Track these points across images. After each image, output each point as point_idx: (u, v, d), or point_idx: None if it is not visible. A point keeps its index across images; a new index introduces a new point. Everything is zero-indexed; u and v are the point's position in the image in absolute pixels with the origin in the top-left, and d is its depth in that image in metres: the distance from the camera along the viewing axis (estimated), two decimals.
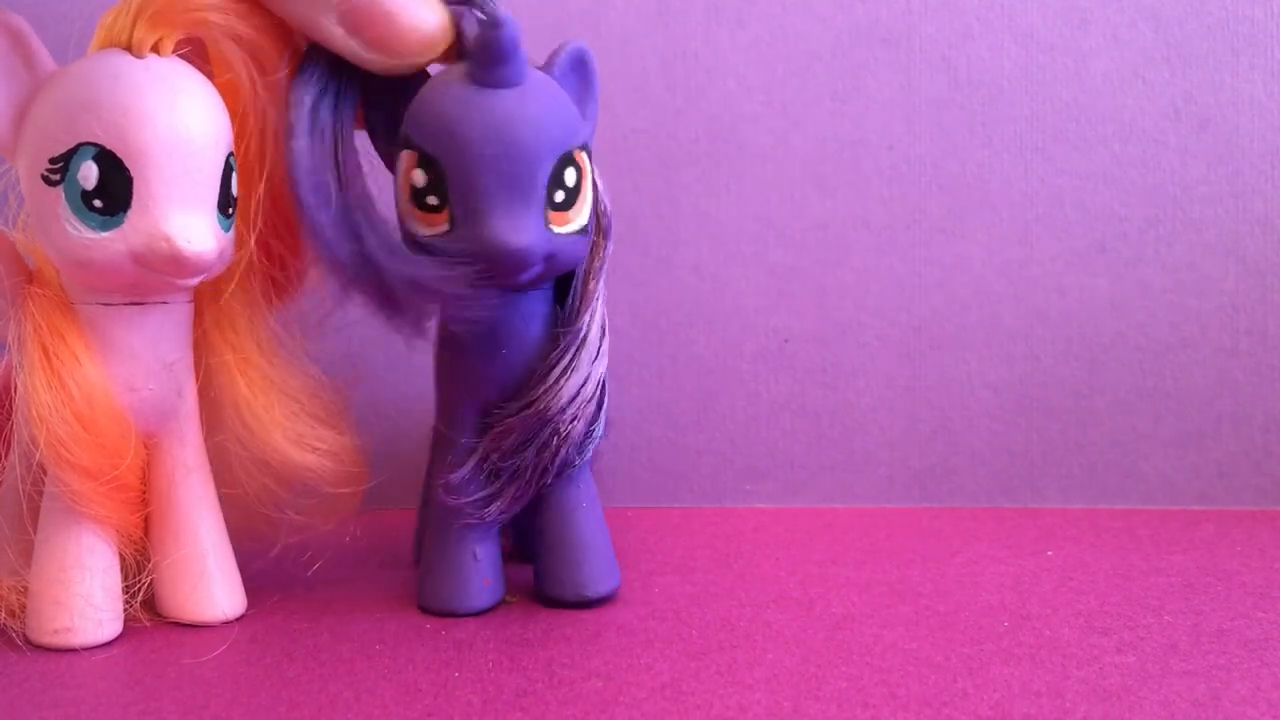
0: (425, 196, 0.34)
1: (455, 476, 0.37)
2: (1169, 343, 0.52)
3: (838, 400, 0.53)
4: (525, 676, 0.32)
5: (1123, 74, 0.52)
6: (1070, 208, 0.52)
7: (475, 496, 0.37)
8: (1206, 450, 0.52)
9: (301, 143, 0.34)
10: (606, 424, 0.38)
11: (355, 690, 0.31)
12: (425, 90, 0.35)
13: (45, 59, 0.34)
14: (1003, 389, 0.53)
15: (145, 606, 0.36)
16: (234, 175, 0.35)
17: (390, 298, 0.34)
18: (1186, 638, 0.34)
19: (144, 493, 0.37)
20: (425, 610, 0.38)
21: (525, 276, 0.34)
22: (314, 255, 0.35)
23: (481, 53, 0.33)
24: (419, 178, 0.34)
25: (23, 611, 0.35)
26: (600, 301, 0.37)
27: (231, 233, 0.35)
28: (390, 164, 0.36)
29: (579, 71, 0.37)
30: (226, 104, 0.35)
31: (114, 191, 0.33)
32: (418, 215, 0.34)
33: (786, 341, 0.53)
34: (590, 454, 0.38)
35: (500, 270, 0.34)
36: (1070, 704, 0.29)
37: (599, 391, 0.37)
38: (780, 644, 0.34)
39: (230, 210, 0.35)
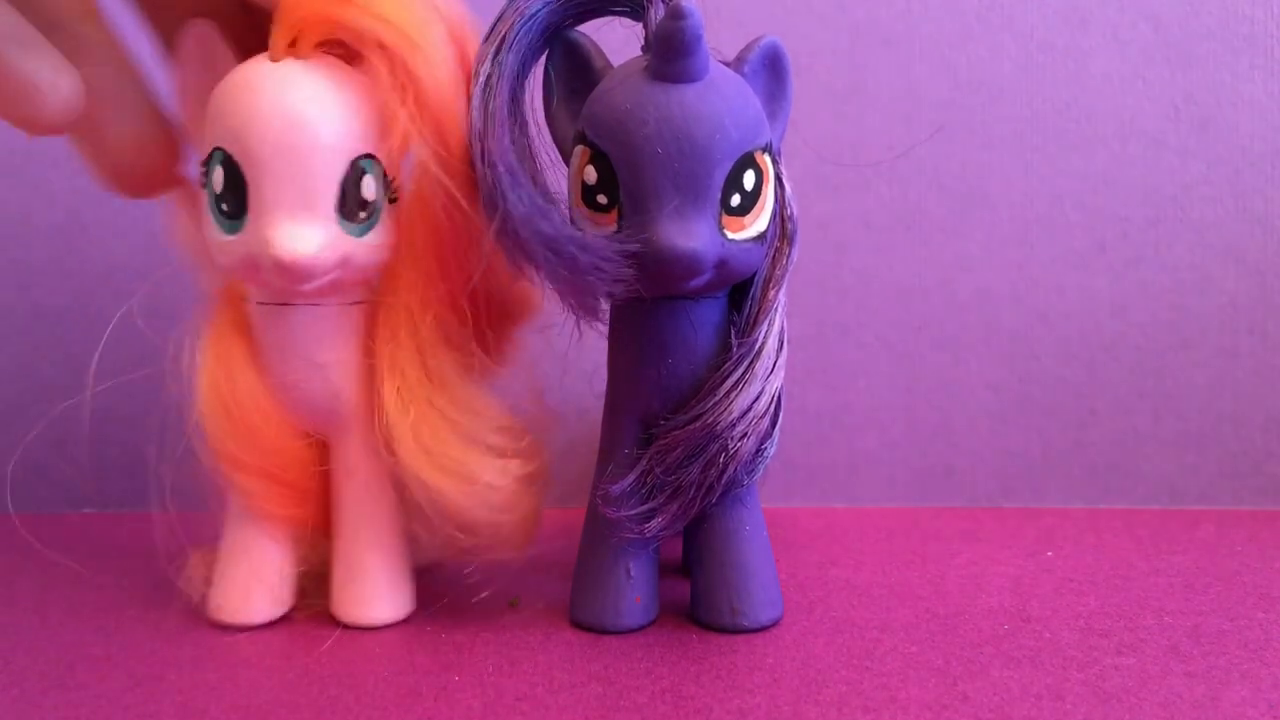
0: (595, 195, 0.32)
1: (615, 488, 0.34)
2: (1169, 343, 0.52)
3: (838, 400, 0.53)
4: (525, 681, 0.32)
5: (1123, 74, 0.52)
6: (1070, 208, 0.52)
7: (634, 511, 0.34)
8: (1206, 450, 0.52)
9: (484, 116, 0.32)
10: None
11: (355, 693, 0.31)
12: (604, 83, 0.33)
13: (227, 60, 0.34)
14: (1003, 389, 0.53)
15: (304, 598, 0.38)
16: (367, 177, 0.33)
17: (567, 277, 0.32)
18: (1187, 639, 0.34)
19: (315, 491, 0.37)
20: (576, 624, 0.36)
21: (694, 283, 0.32)
22: (498, 237, 0.32)
23: (662, 44, 0.31)
24: (590, 175, 0.32)
25: (207, 586, 0.37)
26: (780, 311, 0.35)
27: (368, 238, 0.33)
28: (569, 160, 0.34)
29: (772, 68, 0.35)
30: (373, 105, 0.33)
31: (236, 196, 0.32)
32: (587, 214, 0.33)
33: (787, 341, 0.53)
34: (760, 473, 0.35)
35: (667, 276, 0.31)
36: (1070, 706, 0.29)
37: (773, 407, 0.34)
38: (780, 647, 0.34)
39: (362, 215, 0.33)
